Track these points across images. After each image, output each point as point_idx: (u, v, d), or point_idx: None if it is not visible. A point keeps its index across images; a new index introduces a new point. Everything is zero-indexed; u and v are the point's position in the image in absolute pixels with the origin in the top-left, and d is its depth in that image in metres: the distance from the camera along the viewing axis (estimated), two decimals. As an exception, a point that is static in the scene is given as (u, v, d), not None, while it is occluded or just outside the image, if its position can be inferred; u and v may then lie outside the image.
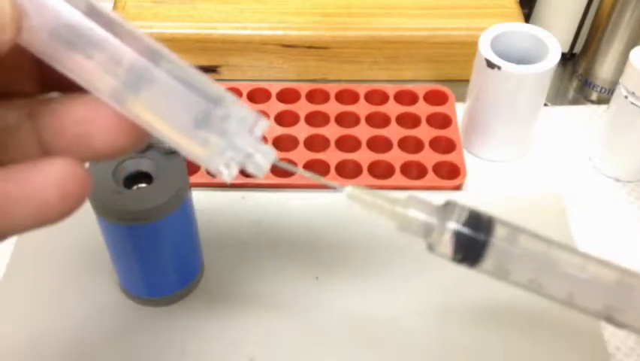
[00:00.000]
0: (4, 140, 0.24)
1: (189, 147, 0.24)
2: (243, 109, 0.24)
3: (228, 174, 0.25)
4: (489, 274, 0.31)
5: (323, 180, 0.30)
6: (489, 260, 0.30)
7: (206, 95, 0.24)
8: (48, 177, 0.22)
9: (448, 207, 0.30)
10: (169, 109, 0.23)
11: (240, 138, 0.24)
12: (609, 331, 0.46)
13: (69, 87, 0.24)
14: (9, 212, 0.22)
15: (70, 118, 0.24)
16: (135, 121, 0.24)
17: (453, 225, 0.30)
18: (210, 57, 0.63)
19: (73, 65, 0.23)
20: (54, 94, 0.26)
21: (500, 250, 0.30)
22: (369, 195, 0.31)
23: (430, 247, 0.31)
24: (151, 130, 0.24)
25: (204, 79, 0.24)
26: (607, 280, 0.31)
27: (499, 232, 0.30)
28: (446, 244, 0.30)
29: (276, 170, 0.54)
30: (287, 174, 0.54)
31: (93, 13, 0.22)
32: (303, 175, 0.30)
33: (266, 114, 0.58)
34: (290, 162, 0.55)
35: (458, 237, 0.30)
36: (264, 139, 0.56)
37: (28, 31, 0.22)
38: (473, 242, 0.30)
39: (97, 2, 0.23)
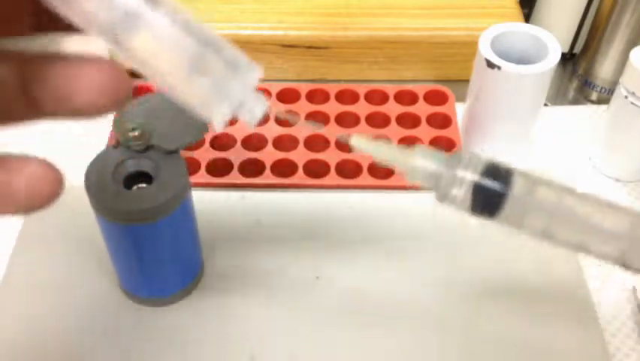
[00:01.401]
0: None
1: (182, 90, 0.24)
2: (237, 55, 0.24)
3: (221, 120, 0.24)
4: (504, 224, 0.31)
5: (323, 129, 0.29)
6: (507, 211, 0.30)
7: (201, 39, 0.24)
8: (20, 176, 0.23)
9: (462, 157, 0.30)
10: (163, 50, 0.23)
11: (234, 85, 0.24)
12: (609, 331, 0.46)
13: (64, 29, 0.24)
14: None
15: (57, 74, 0.24)
16: (127, 62, 0.24)
17: (473, 175, 0.29)
18: (210, 57, 0.63)
19: (70, 2, 0.23)
20: (48, 40, 0.26)
21: (519, 202, 0.30)
22: (383, 144, 0.30)
23: (443, 197, 0.30)
24: (143, 72, 0.24)
25: (202, 25, 0.24)
26: (622, 224, 0.31)
27: (519, 183, 0.30)
28: (465, 195, 0.30)
29: (276, 170, 0.54)
30: (287, 174, 0.54)
31: None
32: (305, 126, 0.30)
33: (266, 114, 0.58)
34: (290, 162, 0.55)
35: (478, 188, 0.29)
36: (264, 140, 0.56)
37: None
38: (493, 193, 0.29)
39: None
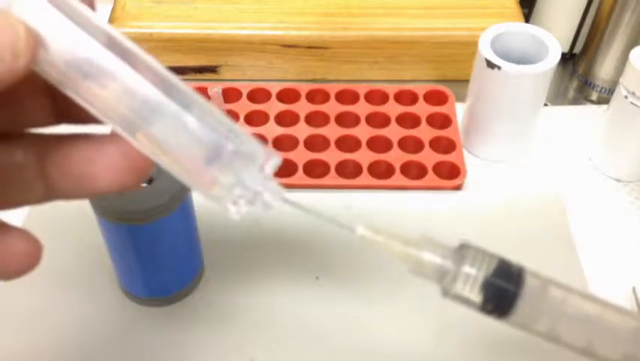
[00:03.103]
0: (9, 178, 0.24)
1: (198, 183, 0.24)
2: (254, 145, 0.24)
3: (236, 211, 0.24)
4: (513, 326, 0.30)
5: (335, 221, 0.28)
6: (519, 313, 0.29)
7: (217, 129, 0.24)
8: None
9: (466, 250, 0.29)
10: (179, 144, 0.23)
11: (249, 176, 0.24)
12: None
13: (82, 119, 0.24)
14: None
15: (76, 157, 0.24)
16: (144, 153, 0.24)
17: (483, 274, 0.29)
18: (210, 57, 0.63)
19: (88, 94, 0.23)
20: (64, 127, 0.26)
21: (531, 303, 0.29)
22: (380, 236, 0.29)
23: (446, 292, 0.29)
24: (160, 163, 0.24)
25: (216, 112, 0.24)
26: (626, 327, 0.30)
27: (531, 283, 0.29)
28: (475, 294, 0.29)
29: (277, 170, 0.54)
30: (286, 174, 0.54)
31: (110, 43, 0.22)
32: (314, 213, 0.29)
33: (266, 114, 0.58)
34: (290, 162, 0.55)
35: (489, 287, 0.29)
36: (264, 140, 0.56)
37: (44, 60, 0.22)
38: (505, 293, 0.29)
39: (114, 32, 0.23)
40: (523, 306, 0.29)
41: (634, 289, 0.48)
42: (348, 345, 0.45)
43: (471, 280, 0.29)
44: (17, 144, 0.25)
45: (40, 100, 0.25)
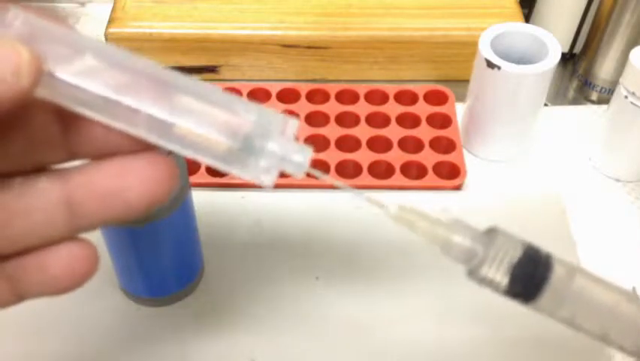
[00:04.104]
0: (34, 205, 0.24)
1: (227, 166, 0.24)
2: (270, 114, 0.24)
3: (270, 180, 0.25)
4: (537, 311, 0.30)
5: (369, 199, 0.28)
6: (546, 298, 0.29)
7: (234, 108, 0.24)
8: (60, 257, 0.24)
9: (494, 234, 0.30)
10: (204, 132, 0.24)
11: (273, 144, 0.24)
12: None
13: (97, 154, 0.24)
14: (22, 281, 0.25)
15: (103, 174, 0.24)
16: (172, 150, 0.24)
17: (511, 257, 0.29)
18: (210, 57, 0.63)
19: (113, 109, 0.23)
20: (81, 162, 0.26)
21: (557, 289, 0.29)
22: (418, 216, 0.29)
23: (473, 273, 0.30)
24: (189, 156, 0.24)
25: (223, 92, 0.24)
26: None
27: (559, 271, 0.30)
28: (501, 277, 0.29)
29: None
30: (287, 174, 0.54)
31: (108, 55, 0.23)
32: (341, 186, 0.29)
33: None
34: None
35: (518, 270, 0.29)
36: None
37: (50, 84, 0.22)
38: (533, 278, 0.29)
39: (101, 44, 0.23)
40: (550, 292, 0.30)
41: (634, 289, 0.48)
42: (349, 345, 0.45)
43: (497, 261, 0.29)
44: (40, 175, 0.25)
45: (51, 136, 0.25)
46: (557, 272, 0.30)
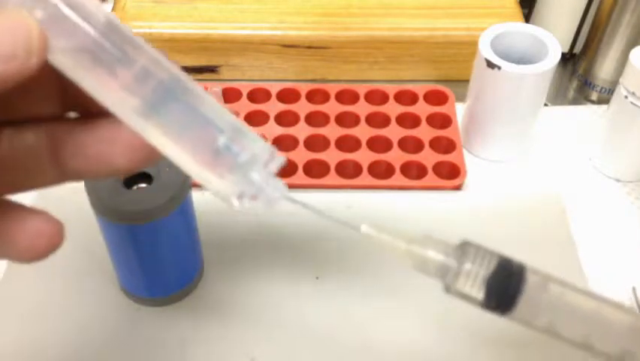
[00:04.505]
0: (20, 161, 0.25)
1: (203, 177, 0.24)
2: (259, 143, 0.25)
3: (240, 205, 0.25)
4: (514, 321, 0.30)
5: (340, 220, 0.29)
6: (520, 309, 0.30)
7: (223, 127, 0.24)
8: (24, 231, 0.24)
9: (467, 248, 0.30)
10: (189, 137, 0.24)
11: (254, 173, 0.25)
12: None
13: (90, 109, 0.24)
14: None
15: (92, 137, 0.24)
16: (153, 146, 0.24)
17: (485, 271, 0.29)
18: (210, 57, 0.63)
19: (97, 83, 0.23)
20: (72, 114, 0.26)
21: (532, 299, 0.30)
22: (384, 235, 0.30)
23: (449, 289, 0.30)
24: (167, 155, 0.24)
25: (222, 110, 0.24)
26: (624, 323, 0.31)
27: (532, 280, 0.30)
28: (477, 290, 0.29)
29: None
30: (286, 174, 0.54)
31: (116, 33, 0.23)
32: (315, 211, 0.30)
33: (266, 114, 0.58)
34: (290, 162, 0.55)
35: (491, 283, 0.29)
36: (264, 137, 0.56)
37: (54, 50, 0.22)
38: (507, 290, 0.29)
39: (117, 23, 0.23)
40: (525, 302, 0.30)
41: (634, 289, 0.48)
42: (349, 345, 0.45)
43: (472, 276, 0.29)
44: (28, 127, 0.25)
45: (49, 90, 0.25)
46: (530, 282, 0.30)
